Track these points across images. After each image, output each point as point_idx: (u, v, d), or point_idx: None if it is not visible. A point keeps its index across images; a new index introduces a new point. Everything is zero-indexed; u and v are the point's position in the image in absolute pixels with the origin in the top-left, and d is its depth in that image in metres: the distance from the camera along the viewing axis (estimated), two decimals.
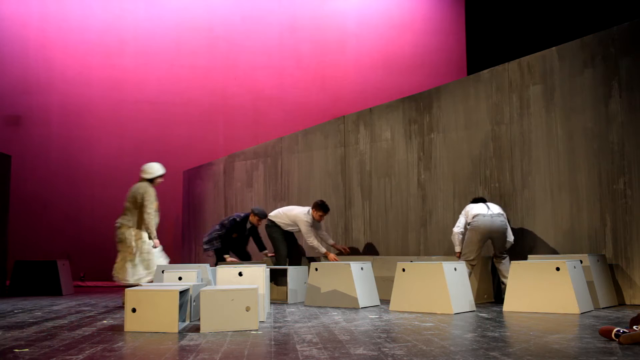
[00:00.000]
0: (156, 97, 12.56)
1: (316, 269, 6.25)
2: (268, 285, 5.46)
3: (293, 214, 7.56)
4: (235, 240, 8.06)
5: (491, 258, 6.61)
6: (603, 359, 2.99)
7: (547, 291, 5.25)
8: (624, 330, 3.51)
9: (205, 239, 8.05)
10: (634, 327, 3.58)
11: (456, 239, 6.35)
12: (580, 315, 5.00)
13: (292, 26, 13.12)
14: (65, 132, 12.23)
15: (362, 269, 6.17)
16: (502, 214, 6.29)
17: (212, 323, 4.19)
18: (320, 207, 7.52)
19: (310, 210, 7.53)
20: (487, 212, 6.23)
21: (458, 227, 6.34)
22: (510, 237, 6.38)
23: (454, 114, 7.58)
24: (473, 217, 6.22)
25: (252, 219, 7.99)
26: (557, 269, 5.23)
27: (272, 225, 7.68)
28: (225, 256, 7.87)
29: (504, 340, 3.66)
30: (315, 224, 7.56)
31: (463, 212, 6.40)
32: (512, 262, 5.61)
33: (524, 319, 4.78)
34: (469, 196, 7.32)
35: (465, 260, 6.11)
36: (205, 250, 8.10)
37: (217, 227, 8.03)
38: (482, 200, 6.52)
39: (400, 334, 3.97)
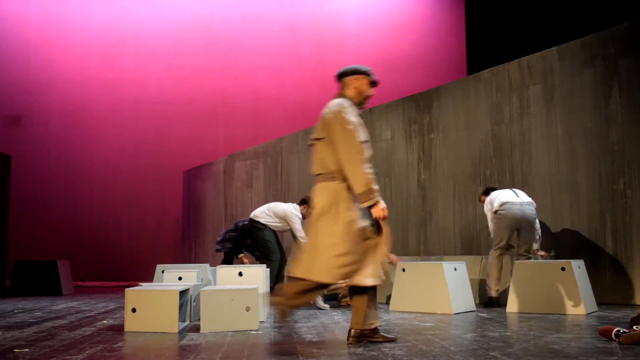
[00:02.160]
0: (156, 97, 12.56)
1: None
2: (268, 285, 5.46)
3: (281, 210, 7.05)
4: (249, 246, 7.56)
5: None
6: (603, 359, 2.99)
7: (553, 292, 5.19)
8: (624, 330, 3.51)
9: (218, 239, 7.68)
10: (634, 327, 3.58)
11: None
12: (583, 316, 5.00)
13: (292, 26, 13.12)
14: (65, 132, 12.23)
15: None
16: (532, 203, 5.85)
17: (212, 323, 4.18)
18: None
19: (298, 206, 7.09)
20: (517, 199, 5.79)
21: (490, 223, 5.94)
22: (539, 232, 5.88)
23: (454, 114, 7.58)
24: (501, 205, 5.77)
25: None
26: (563, 269, 5.19)
27: (263, 227, 7.04)
28: (241, 255, 7.45)
29: (504, 340, 3.66)
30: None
31: (487, 205, 5.97)
32: (515, 262, 5.57)
33: (524, 319, 4.78)
34: (469, 196, 7.32)
35: (496, 247, 5.77)
36: (217, 250, 7.71)
37: (232, 227, 7.65)
38: (508, 187, 6.20)
39: (400, 334, 3.97)
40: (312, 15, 13.20)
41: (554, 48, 6.79)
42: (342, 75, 3.76)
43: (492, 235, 5.97)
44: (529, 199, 5.88)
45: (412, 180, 7.88)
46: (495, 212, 5.83)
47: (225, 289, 4.32)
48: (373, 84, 3.74)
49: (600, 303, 5.74)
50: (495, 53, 10.74)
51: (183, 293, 4.58)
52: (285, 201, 8.41)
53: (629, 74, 6.21)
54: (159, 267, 6.26)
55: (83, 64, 12.46)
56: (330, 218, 3.43)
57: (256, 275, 5.12)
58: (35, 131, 12.17)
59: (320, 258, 3.40)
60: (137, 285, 4.94)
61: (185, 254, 11.38)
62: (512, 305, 5.39)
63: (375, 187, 3.41)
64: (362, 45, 13.18)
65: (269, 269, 5.78)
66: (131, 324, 4.24)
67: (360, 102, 3.71)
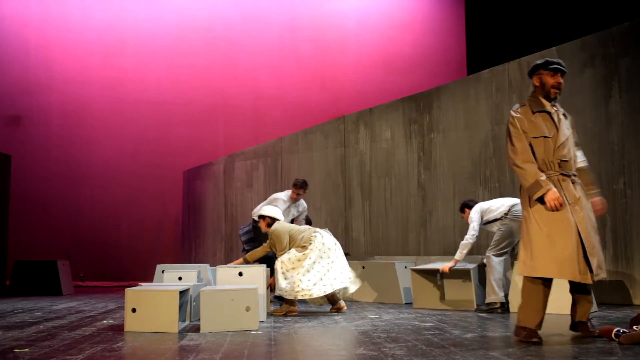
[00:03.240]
0: (156, 97, 12.55)
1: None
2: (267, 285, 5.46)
3: (273, 198, 6.97)
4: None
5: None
6: (603, 359, 2.99)
7: (552, 292, 5.15)
8: (624, 330, 3.51)
9: (243, 239, 7.38)
10: (634, 327, 3.58)
11: (467, 250, 5.73)
12: None
13: (292, 26, 13.11)
14: (65, 132, 12.23)
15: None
16: None
17: (212, 323, 4.19)
18: (295, 185, 6.94)
19: (289, 190, 7.00)
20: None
21: (473, 237, 5.68)
22: None
23: (454, 114, 7.58)
24: (513, 207, 5.53)
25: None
26: None
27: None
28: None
29: (504, 340, 3.66)
30: (292, 205, 6.98)
31: (477, 216, 5.75)
32: (515, 261, 5.55)
33: None
34: (469, 196, 7.31)
35: (501, 251, 5.53)
36: (244, 250, 7.39)
37: (250, 226, 7.39)
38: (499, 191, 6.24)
39: (400, 334, 3.97)
40: (312, 15, 13.19)
41: (554, 48, 6.78)
42: (529, 76, 4.04)
43: (496, 238, 5.60)
44: None
45: (412, 180, 7.88)
46: (506, 214, 5.57)
47: (225, 289, 4.32)
48: (555, 70, 3.86)
49: (600, 303, 5.73)
50: (495, 53, 10.73)
51: (183, 293, 4.58)
52: None
53: (629, 74, 6.21)
54: (159, 267, 6.26)
55: (83, 64, 12.45)
56: (525, 214, 3.72)
57: (256, 275, 5.13)
58: (35, 131, 12.16)
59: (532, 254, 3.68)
60: (137, 285, 4.94)
61: (185, 254, 11.38)
62: (513, 305, 5.39)
63: (541, 177, 3.57)
64: (362, 45, 13.18)
65: (268, 269, 5.77)
66: (131, 324, 4.24)
67: (547, 95, 3.91)
